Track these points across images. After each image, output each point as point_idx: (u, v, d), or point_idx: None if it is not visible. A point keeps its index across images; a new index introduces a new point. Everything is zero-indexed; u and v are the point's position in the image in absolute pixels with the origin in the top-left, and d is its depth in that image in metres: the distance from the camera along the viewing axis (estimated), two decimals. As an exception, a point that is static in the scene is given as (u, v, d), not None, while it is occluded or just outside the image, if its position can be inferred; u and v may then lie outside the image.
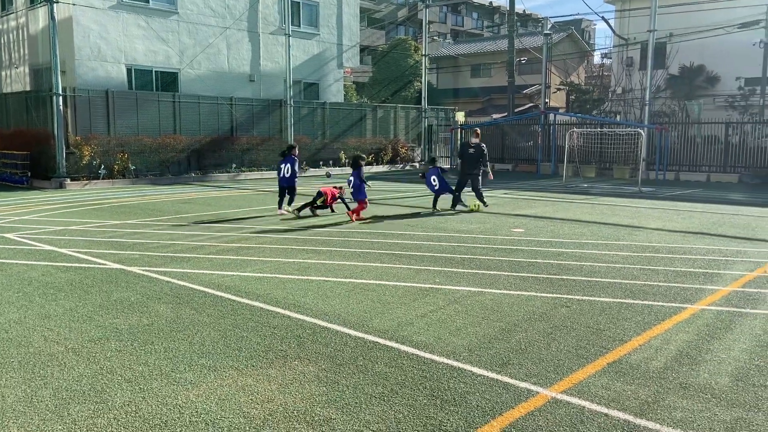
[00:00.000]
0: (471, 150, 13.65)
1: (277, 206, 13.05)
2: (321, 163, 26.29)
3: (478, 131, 14.24)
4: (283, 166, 12.86)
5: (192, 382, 4.19)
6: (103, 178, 19.46)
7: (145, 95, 21.40)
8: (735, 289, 6.75)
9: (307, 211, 12.57)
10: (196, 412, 3.76)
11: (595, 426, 3.62)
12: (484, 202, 13.53)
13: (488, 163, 13.93)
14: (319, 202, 12.66)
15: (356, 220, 11.78)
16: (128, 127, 20.61)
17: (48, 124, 19.05)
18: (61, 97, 18.52)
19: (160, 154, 21.17)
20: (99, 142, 19.56)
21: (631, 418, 3.73)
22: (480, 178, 13.68)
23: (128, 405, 3.85)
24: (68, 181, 18.58)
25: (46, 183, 18.66)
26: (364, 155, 12.31)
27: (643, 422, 3.67)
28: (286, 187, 12.85)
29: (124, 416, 3.70)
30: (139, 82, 22.46)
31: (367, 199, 12.29)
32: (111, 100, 20.22)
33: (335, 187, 13.07)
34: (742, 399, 4.00)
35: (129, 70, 22.12)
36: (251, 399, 3.95)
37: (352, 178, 12.30)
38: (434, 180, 13.28)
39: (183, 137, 21.85)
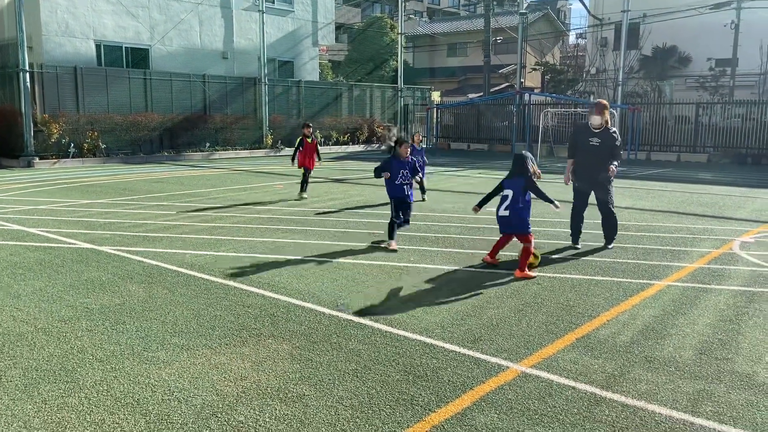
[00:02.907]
0: (594, 140, 7.63)
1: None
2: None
3: (605, 102, 7.80)
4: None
5: (164, 361, 4.18)
6: (72, 157, 19.09)
7: (115, 72, 20.95)
8: (701, 266, 6.91)
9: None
10: (169, 390, 3.76)
11: (562, 399, 3.71)
12: (611, 238, 7.90)
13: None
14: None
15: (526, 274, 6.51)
16: (98, 105, 20.20)
17: (15, 101, 18.58)
18: (28, 74, 18.05)
19: (132, 133, 20.82)
20: (68, 120, 19.15)
21: (597, 390, 3.82)
22: (612, 187, 7.92)
23: (99, 384, 3.83)
24: (37, 159, 18.19)
25: (14, 162, 18.24)
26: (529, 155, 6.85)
27: (608, 394, 3.77)
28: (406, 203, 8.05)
29: (96, 395, 3.69)
30: (109, 58, 21.96)
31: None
32: (80, 77, 19.77)
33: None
34: (705, 372, 4.12)
35: (98, 46, 21.62)
36: (224, 377, 3.96)
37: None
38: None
39: (155, 115, 21.49)
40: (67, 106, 19.51)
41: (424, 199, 11.52)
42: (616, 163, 7.67)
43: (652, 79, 31.24)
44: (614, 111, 21.66)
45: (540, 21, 44.75)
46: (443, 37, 47.89)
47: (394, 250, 7.49)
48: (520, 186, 6.59)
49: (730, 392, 3.82)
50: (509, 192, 6.64)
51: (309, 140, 12.02)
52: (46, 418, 3.42)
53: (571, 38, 50.29)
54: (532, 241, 6.56)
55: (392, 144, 7.92)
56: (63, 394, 3.69)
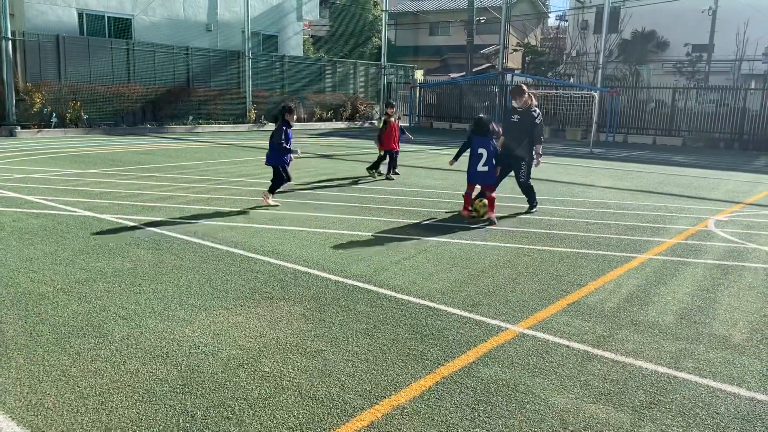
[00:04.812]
0: (515, 117, 8.61)
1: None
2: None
3: (522, 87, 8.82)
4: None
5: (185, 320, 4.43)
6: (54, 127, 18.92)
7: (97, 42, 20.70)
8: (679, 242, 7.34)
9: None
10: (195, 345, 4.02)
11: (558, 355, 4.06)
12: (533, 205, 8.87)
13: (542, 139, 8.68)
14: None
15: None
16: (80, 75, 19.99)
17: (-5, 69, 18.29)
18: (10, 42, 17.76)
19: (114, 104, 20.66)
20: (50, 90, 18.95)
21: (589, 348, 4.18)
22: (530, 164, 8.66)
23: (127, 339, 4.07)
24: (19, 129, 18.01)
25: (-6, 131, 18.05)
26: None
27: (599, 352, 4.13)
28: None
29: (126, 348, 3.93)
30: (91, 28, 21.67)
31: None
32: (62, 46, 19.52)
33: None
34: (685, 334, 4.51)
35: (80, 15, 21.31)
36: (245, 334, 4.22)
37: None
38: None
39: (138, 87, 21.33)
40: (49, 75, 19.28)
41: (397, 173, 12.02)
42: (539, 152, 8.62)
43: (631, 62, 31.76)
44: (595, 94, 22.09)
45: (522, 2, 44.90)
46: (426, 15, 47.78)
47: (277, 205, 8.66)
48: (490, 145, 7.98)
49: (708, 351, 4.21)
50: (483, 151, 8.00)
51: (393, 120, 11.56)
52: (82, 367, 3.65)
53: (552, 20, 50.60)
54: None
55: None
56: (94, 347, 3.93)
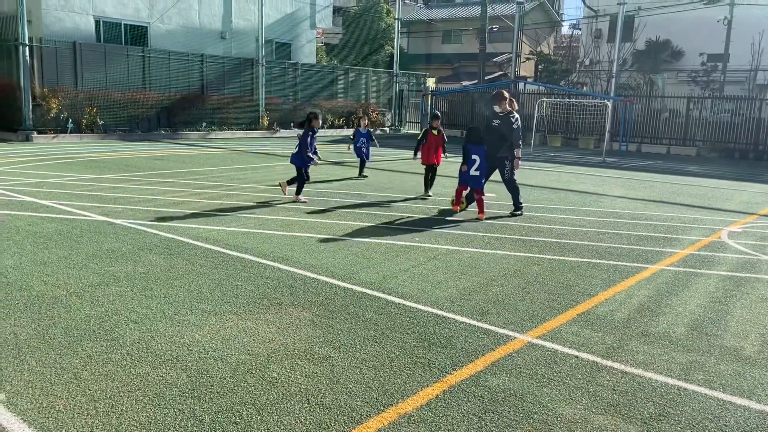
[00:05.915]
0: (496, 122, 9.21)
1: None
2: (292, 124, 26.24)
3: (505, 93, 9.31)
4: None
5: (195, 324, 4.47)
6: (70, 132, 19.16)
7: (113, 48, 20.96)
8: (691, 252, 7.29)
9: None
10: (204, 349, 4.05)
11: (567, 365, 4.04)
12: (518, 206, 9.31)
13: (521, 142, 9.29)
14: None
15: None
16: (96, 81, 20.24)
17: (13, 74, 18.57)
18: (27, 48, 18.03)
19: (130, 110, 20.89)
20: (66, 95, 19.20)
21: (598, 359, 4.16)
22: (512, 165, 9.20)
23: (138, 343, 4.11)
24: (35, 134, 18.26)
25: (11, 135, 18.29)
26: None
27: (609, 363, 4.11)
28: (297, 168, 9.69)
29: (137, 352, 3.97)
30: (108, 34, 21.94)
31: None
32: (79, 53, 19.79)
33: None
34: (697, 345, 4.47)
35: (97, 22, 21.59)
36: (253, 339, 4.25)
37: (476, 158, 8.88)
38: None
39: (153, 93, 21.56)
40: (66, 81, 19.54)
41: (365, 176, 12.90)
42: (518, 155, 9.17)
43: (645, 72, 31.62)
44: (608, 103, 22.00)
45: (536, 10, 44.90)
46: (439, 23, 47.91)
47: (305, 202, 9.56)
48: (483, 152, 8.83)
49: (719, 363, 4.17)
50: (476, 157, 8.81)
51: (435, 133, 10.82)
52: (93, 371, 3.69)
53: (565, 29, 50.53)
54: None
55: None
56: (106, 351, 3.97)
